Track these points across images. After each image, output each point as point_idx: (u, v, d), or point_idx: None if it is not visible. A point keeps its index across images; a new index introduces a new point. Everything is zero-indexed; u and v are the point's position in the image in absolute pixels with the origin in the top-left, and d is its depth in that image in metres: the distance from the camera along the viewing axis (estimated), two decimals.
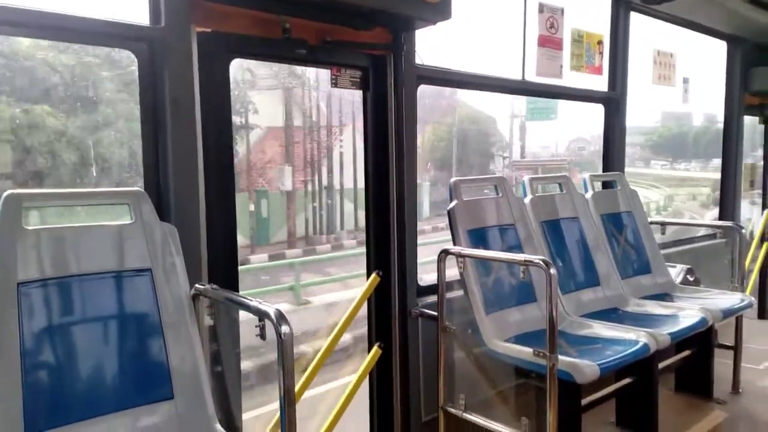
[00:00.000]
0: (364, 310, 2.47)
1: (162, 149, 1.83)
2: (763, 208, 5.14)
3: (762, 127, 5.16)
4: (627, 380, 2.55)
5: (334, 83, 2.35)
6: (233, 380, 2.03)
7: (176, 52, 1.81)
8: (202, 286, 1.74)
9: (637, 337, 2.33)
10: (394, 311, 2.50)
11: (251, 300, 1.53)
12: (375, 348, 2.44)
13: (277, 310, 1.38)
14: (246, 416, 2.19)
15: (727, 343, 3.09)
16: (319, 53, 2.21)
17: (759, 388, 3.14)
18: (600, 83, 3.53)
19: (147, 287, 1.65)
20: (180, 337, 1.67)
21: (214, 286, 1.75)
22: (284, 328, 1.35)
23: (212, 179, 1.96)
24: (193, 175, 1.85)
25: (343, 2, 2.01)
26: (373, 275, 2.43)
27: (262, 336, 1.43)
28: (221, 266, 2.01)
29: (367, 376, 2.47)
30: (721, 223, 4.11)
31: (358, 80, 2.41)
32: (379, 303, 2.53)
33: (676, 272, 3.40)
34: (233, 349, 2.06)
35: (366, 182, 2.56)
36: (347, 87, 2.39)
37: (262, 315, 1.43)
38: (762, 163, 5.21)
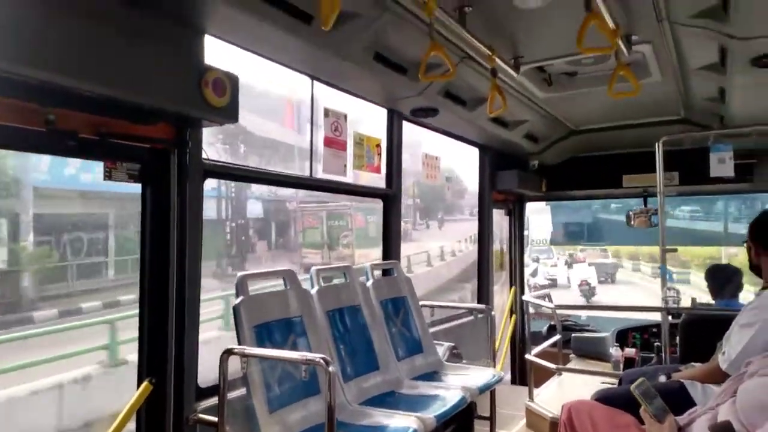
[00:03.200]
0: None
1: None
2: (510, 286, 6.14)
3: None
4: None
5: (108, 176, 2.20)
6: None
7: None
8: None
9: (408, 424, 2.52)
10: (169, 420, 2.31)
11: None
12: None
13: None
14: None
15: (484, 414, 3.51)
16: (92, 146, 2.06)
17: None
18: (379, 181, 3.93)
19: None
20: None
21: None
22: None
23: None
24: None
25: (120, 99, 1.93)
26: (145, 383, 2.23)
27: None
28: None
29: None
30: (477, 306, 4.76)
31: (137, 174, 2.30)
32: (150, 412, 2.32)
33: (443, 350, 3.81)
34: None
35: (141, 278, 2.39)
36: (123, 180, 2.25)
37: None
38: (507, 247, 6.25)
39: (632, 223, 5.56)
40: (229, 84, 2.23)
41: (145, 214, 2.36)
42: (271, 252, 17.36)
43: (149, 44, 1.99)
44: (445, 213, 25.84)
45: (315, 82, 3.19)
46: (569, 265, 24.67)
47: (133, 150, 2.23)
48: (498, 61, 2.97)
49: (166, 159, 2.35)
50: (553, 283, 22.28)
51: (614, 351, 4.55)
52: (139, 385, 2.25)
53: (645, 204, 5.54)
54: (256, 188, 16.20)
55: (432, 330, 3.90)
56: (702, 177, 4.37)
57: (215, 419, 2.30)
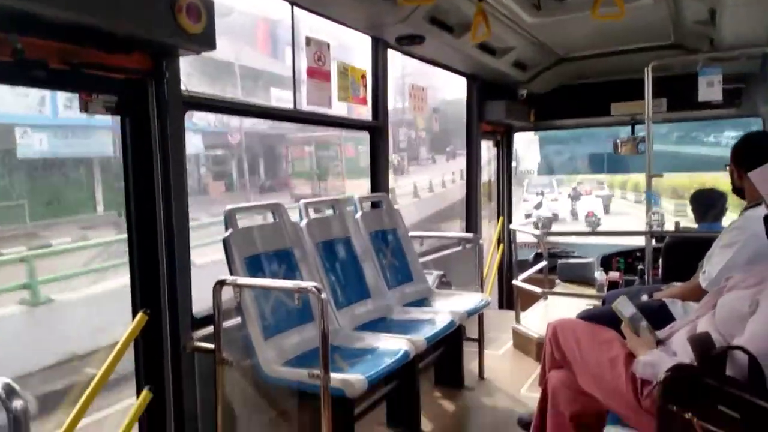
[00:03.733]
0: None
1: None
2: (498, 216, 6.21)
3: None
4: (393, 383, 2.85)
5: (84, 108, 2.14)
6: None
7: None
8: None
9: (400, 346, 2.61)
10: (166, 349, 2.37)
11: None
12: (144, 392, 2.28)
13: (6, 383, 1.21)
14: None
15: (473, 336, 3.64)
16: (64, 77, 1.99)
17: (499, 372, 3.78)
18: (366, 113, 3.87)
19: None
20: None
21: None
22: (17, 404, 1.18)
23: None
24: None
25: (91, 26, 1.84)
26: (140, 314, 2.27)
27: None
28: None
29: (137, 424, 2.29)
30: (465, 235, 4.83)
31: (114, 105, 2.23)
32: (147, 342, 2.37)
33: (432, 278, 3.89)
34: None
35: (128, 213, 2.37)
36: (100, 112, 2.19)
37: None
38: (495, 178, 6.27)
39: (619, 150, 5.57)
40: (204, 9, 2.13)
41: (126, 147, 2.32)
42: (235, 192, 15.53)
43: None
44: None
45: (295, 8, 3.07)
46: (574, 198, 24.64)
47: (108, 81, 2.16)
48: None
49: (144, 90, 2.28)
50: (554, 218, 22.20)
51: (598, 275, 4.68)
52: (134, 317, 2.29)
53: (633, 132, 5.53)
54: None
55: (422, 260, 3.97)
56: (690, 102, 4.35)
57: (212, 346, 2.36)
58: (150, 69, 2.25)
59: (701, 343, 1.73)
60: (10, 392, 1.18)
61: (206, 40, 2.16)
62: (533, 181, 23.80)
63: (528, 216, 23.07)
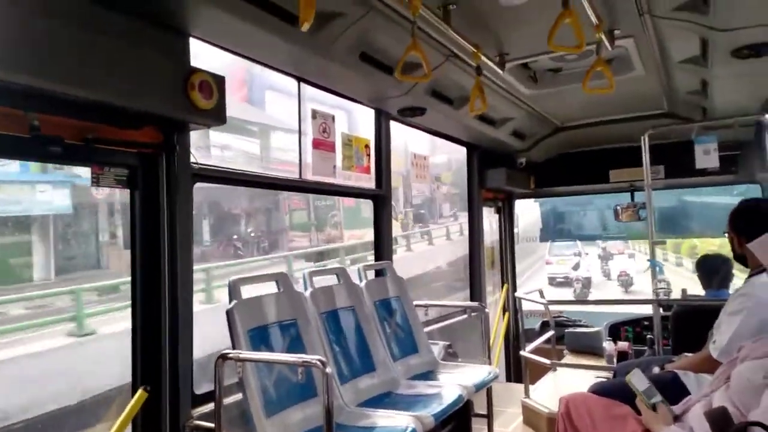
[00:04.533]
0: None
1: None
2: (502, 284, 6.16)
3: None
4: None
5: (96, 181, 2.17)
6: None
7: None
8: None
9: (407, 423, 2.51)
10: (164, 428, 2.28)
11: None
12: None
13: None
14: None
15: (482, 412, 3.51)
16: (78, 152, 2.04)
17: None
18: (369, 182, 3.93)
19: None
20: None
21: None
22: None
23: None
24: None
25: (106, 103, 1.91)
26: (140, 391, 2.21)
27: None
28: None
29: None
30: (470, 303, 4.78)
31: (125, 179, 2.27)
32: (146, 419, 2.29)
33: (438, 349, 3.80)
34: None
35: (132, 285, 2.36)
36: (112, 186, 2.23)
37: None
38: (498, 246, 6.27)
39: (620, 217, 5.61)
40: (215, 85, 2.22)
41: (135, 219, 2.34)
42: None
43: (134, 47, 1.97)
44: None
45: (302, 84, 3.19)
46: (604, 258, 24.58)
47: (120, 155, 2.21)
48: (483, 58, 2.99)
49: (155, 164, 2.33)
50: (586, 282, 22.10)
51: (607, 345, 4.57)
52: (134, 394, 2.22)
53: (632, 198, 5.59)
54: None
55: (426, 329, 3.90)
56: (688, 169, 4.43)
57: (212, 425, 2.27)
58: (161, 143, 2.30)
59: (718, 420, 1.68)
60: None
61: (217, 115, 2.23)
62: (555, 245, 23.63)
63: (553, 279, 22.84)
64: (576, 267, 22.79)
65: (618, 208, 5.56)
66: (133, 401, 2.18)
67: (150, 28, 2.20)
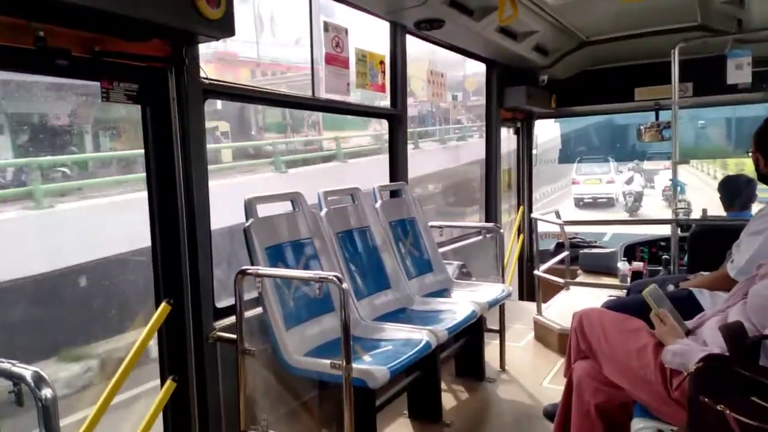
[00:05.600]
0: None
1: None
2: (518, 206, 6.13)
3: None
4: (415, 375, 2.83)
5: (105, 97, 2.12)
6: None
7: None
8: None
9: (421, 336, 2.59)
10: (189, 339, 2.37)
11: (2, 362, 1.31)
12: (168, 382, 2.29)
13: (35, 372, 1.21)
14: None
15: (494, 327, 3.60)
16: (85, 65, 1.98)
17: (520, 364, 3.74)
18: (384, 100, 3.82)
19: None
20: None
21: None
22: (45, 392, 1.18)
23: None
24: None
25: (111, 12, 1.82)
26: (163, 304, 2.27)
27: (19, 402, 1.24)
28: None
29: (161, 413, 2.30)
30: (485, 224, 4.78)
31: (135, 94, 2.22)
32: (171, 331, 2.38)
33: (452, 269, 3.85)
34: None
35: (150, 202, 2.37)
36: (122, 101, 2.18)
37: (15, 379, 1.23)
38: (516, 167, 6.18)
39: (643, 137, 5.45)
40: None
41: (147, 136, 2.31)
42: None
43: None
44: None
45: None
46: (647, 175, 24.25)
47: (129, 69, 2.14)
48: None
49: (164, 78, 2.26)
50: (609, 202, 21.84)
51: (622, 265, 4.60)
52: (157, 306, 2.29)
53: (657, 117, 5.41)
54: None
55: (441, 249, 3.93)
56: (717, 86, 4.22)
57: (234, 336, 2.36)
58: (170, 56, 2.23)
59: (733, 333, 1.68)
60: (39, 381, 1.18)
61: (226, 26, 2.13)
62: (583, 164, 23.22)
63: (579, 200, 22.61)
64: (629, 181, 22.41)
65: (641, 127, 5.39)
66: (156, 314, 2.26)
67: None
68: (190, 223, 2.36)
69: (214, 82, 2.50)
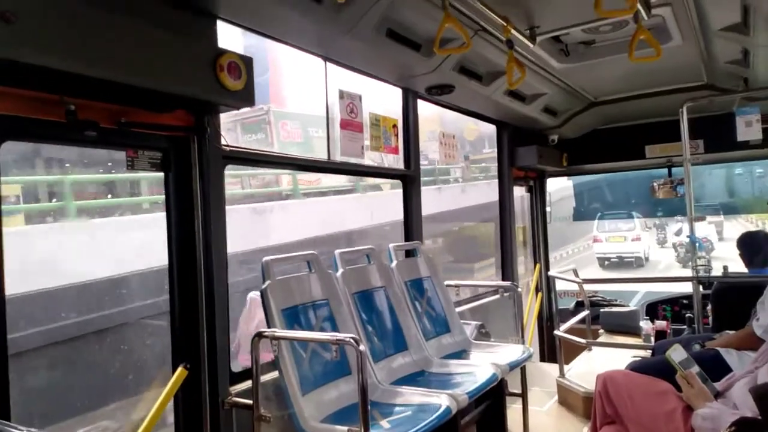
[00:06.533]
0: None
1: None
2: (534, 263, 6.08)
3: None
4: None
5: (130, 165, 2.22)
6: None
7: None
8: None
9: (440, 401, 2.51)
10: (205, 405, 2.34)
11: (21, 429, 1.30)
12: None
13: None
14: None
15: (516, 391, 3.49)
16: (112, 136, 2.08)
17: (544, 429, 3.60)
18: (398, 162, 3.91)
19: None
20: None
21: None
22: None
23: None
24: None
25: (138, 87, 1.93)
26: (180, 369, 2.26)
27: None
28: None
29: None
30: (503, 283, 4.74)
31: (159, 162, 2.31)
32: (187, 396, 2.35)
33: (471, 329, 3.79)
34: None
35: (170, 267, 2.41)
36: (146, 169, 2.27)
37: None
38: (530, 225, 6.18)
39: (657, 194, 5.46)
40: (243, 67, 2.22)
41: (169, 202, 2.38)
42: None
43: (163, 31, 1.98)
44: None
45: (328, 63, 3.17)
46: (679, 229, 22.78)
47: (153, 138, 2.25)
48: (513, 32, 2.91)
49: (187, 146, 2.36)
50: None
51: (644, 324, 4.49)
52: (174, 370, 2.28)
53: (669, 174, 5.44)
54: None
55: (458, 309, 3.88)
56: (728, 142, 4.26)
57: (250, 402, 2.32)
58: (192, 125, 2.33)
59: (765, 395, 1.63)
60: None
61: (246, 96, 2.24)
62: (605, 221, 21.64)
63: (604, 260, 20.87)
64: (679, 232, 21.12)
65: (654, 184, 5.41)
66: (174, 378, 2.24)
67: (178, 11, 2.22)
68: (209, 288, 2.38)
69: (234, 148, 2.59)
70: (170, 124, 2.26)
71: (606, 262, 20.99)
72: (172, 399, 2.27)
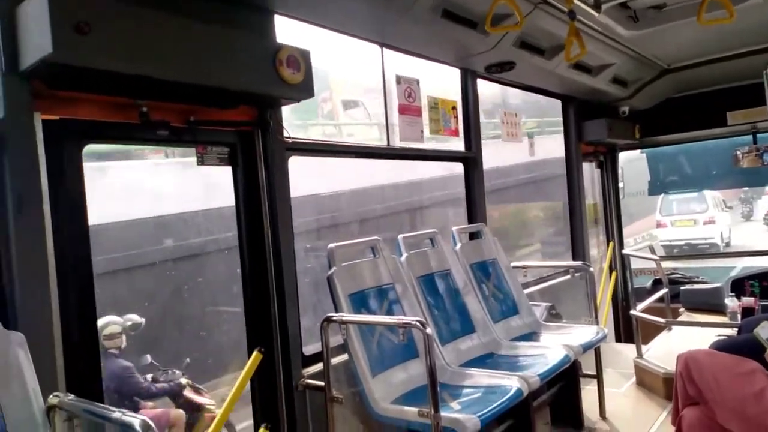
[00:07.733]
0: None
1: (5, 251, 1.68)
2: (607, 242, 5.84)
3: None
4: (507, 424, 2.71)
5: (201, 161, 2.33)
6: None
7: (18, 143, 1.70)
8: (57, 398, 1.58)
9: (511, 383, 2.49)
10: (279, 387, 2.45)
11: (113, 411, 1.41)
12: (262, 430, 2.35)
13: (143, 421, 1.30)
14: None
15: (590, 372, 3.39)
16: (183, 134, 2.19)
17: (622, 411, 3.48)
18: (458, 144, 3.86)
19: None
20: None
21: (72, 396, 1.60)
22: None
23: (66, 278, 1.82)
24: (42, 275, 1.71)
25: (205, 86, 2.02)
26: (255, 353, 2.37)
27: None
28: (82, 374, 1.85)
29: None
30: (573, 263, 4.59)
31: (226, 156, 2.41)
32: (262, 380, 2.46)
33: (540, 311, 3.71)
34: None
35: (241, 256, 2.52)
36: (215, 164, 2.37)
37: (125, 428, 1.33)
38: (601, 201, 5.93)
39: (740, 163, 5.07)
40: (302, 60, 2.26)
41: (238, 195, 2.48)
42: None
43: (225, 30, 2.06)
44: None
45: (384, 49, 3.17)
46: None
47: (220, 134, 2.35)
48: (576, 1, 2.78)
49: (251, 140, 2.44)
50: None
51: (730, 301, 4.22)
52: (249, 355, 2.39)
53: (755, 141, 5.04)
54: None
55: (527, 291, 3.81)
56: None
57: (322, 383, 2.40)
58: (256, 120, 2.41)
59: None
60: (147, 429, 1.27)
61: (305, 88, 2.29)
62: (668, 200, 17.88)
63: (670, 248, 16.94)
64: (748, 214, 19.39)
65: (738, 153, 5.03)
66: (249, 362, 2.35)
67: (237, 9, 2.30)
68: (278, 274, 2.47)
69: (296, 140, 2.66)
70: (235, 119, 2.35)
71: (675, 250, 16.75)
72: (249, 382, 2.38)
